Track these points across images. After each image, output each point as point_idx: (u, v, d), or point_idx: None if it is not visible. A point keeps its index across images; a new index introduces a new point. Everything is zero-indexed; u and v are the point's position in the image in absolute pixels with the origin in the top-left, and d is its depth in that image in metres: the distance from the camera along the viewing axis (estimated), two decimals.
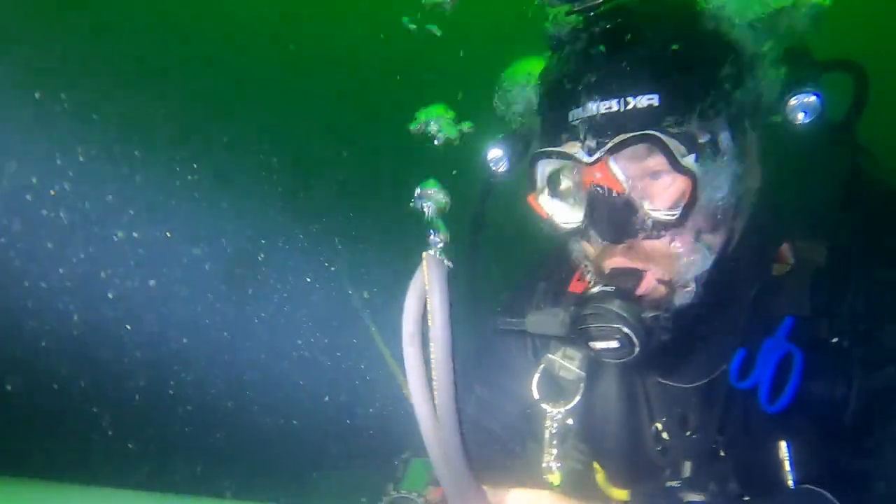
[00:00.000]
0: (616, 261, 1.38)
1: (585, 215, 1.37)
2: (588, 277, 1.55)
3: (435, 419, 1.13)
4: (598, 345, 1.34)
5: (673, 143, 1.28)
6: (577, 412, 1.60)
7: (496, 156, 1.54)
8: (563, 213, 1.45)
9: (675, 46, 1.31)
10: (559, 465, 1.60)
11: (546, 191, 1.45)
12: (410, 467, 1.51)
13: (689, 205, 1.30)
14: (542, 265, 1.79)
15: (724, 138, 1.33)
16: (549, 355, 1.64)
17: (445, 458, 1.16)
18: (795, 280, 1.40)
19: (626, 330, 1.30)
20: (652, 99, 1.28)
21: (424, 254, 1.15)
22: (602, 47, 1.33)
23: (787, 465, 1.36)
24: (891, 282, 1.35)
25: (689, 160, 1.29)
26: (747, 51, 1.38)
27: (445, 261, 1.15)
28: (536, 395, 1.61)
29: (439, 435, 1.13)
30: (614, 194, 1.32)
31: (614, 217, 1.32)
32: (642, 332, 1.30)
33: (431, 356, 1.11)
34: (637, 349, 1.31)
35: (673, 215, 1.31)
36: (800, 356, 1.32)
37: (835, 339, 1.36)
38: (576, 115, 1.33)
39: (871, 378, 1.32)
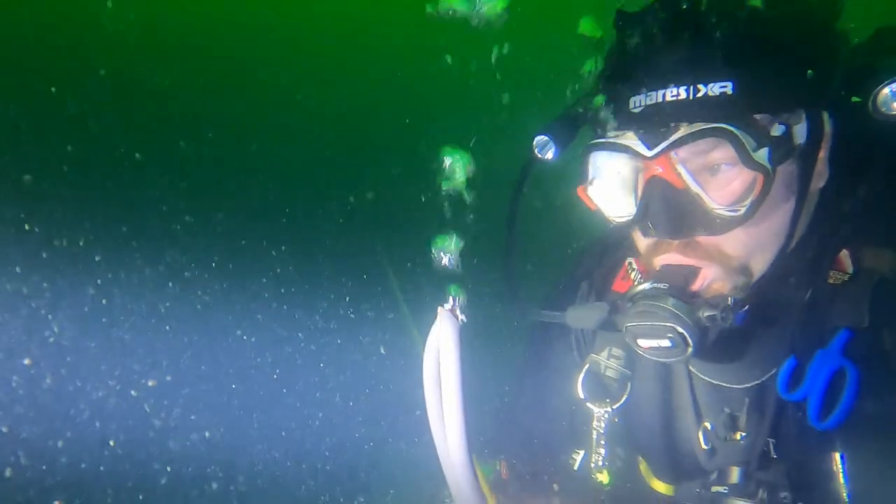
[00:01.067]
0: (671, 257, 1.30)
1: (640, 209, 1.28)
2: (633, 276, 1.49)
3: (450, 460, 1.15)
4: (648, 343, 1.27)
5: (746, 137, 1.18)
6: (623, 412, 1.54)
7: (542, 142, 1.45)
8: (615, 204, 1.37)
9: (754, 28, 1.20)
10: (608, 464, 1.55)
11: (597, 182, 1.37)
12: None
13: (757, 202, 1.21)
14: (582, 263, 1.72)
15: (799, 131, 1.23)
16: (594, 355, 1.57)
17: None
18: (855, 289, 1.30)
19: (680, 329, 1.21)
20: (725, 86, 1.18)
21: (440, 308, 1.13)
22: (673, 28, 1.22)
23: (841, 478, 1.29)
24: None
25: (760, 154, 1.19)
26: (830, 31, 1.27)
27: (459, 315, 1.13)
28: (582, 395, 1.54)
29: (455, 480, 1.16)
30: (675, 189, 1.24)
31: (674, 213, 1.24)
32: (697, 332, 1.22)
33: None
34: (691, 349, 1.23)
35: (736, 212, 1.23)
36: (854, 373, 1.23)
37: None
38: (638, 101, 1.24)
39: None
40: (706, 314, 1.22)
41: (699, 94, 1.18)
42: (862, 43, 1.34)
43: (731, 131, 1.17)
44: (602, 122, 1.34)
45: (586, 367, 1.55)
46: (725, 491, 1.41)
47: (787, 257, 1.30)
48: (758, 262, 1.29)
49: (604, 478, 1.55)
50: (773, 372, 1.33)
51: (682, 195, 1.24)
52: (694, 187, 1.24)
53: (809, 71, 1.22)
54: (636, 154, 1.25)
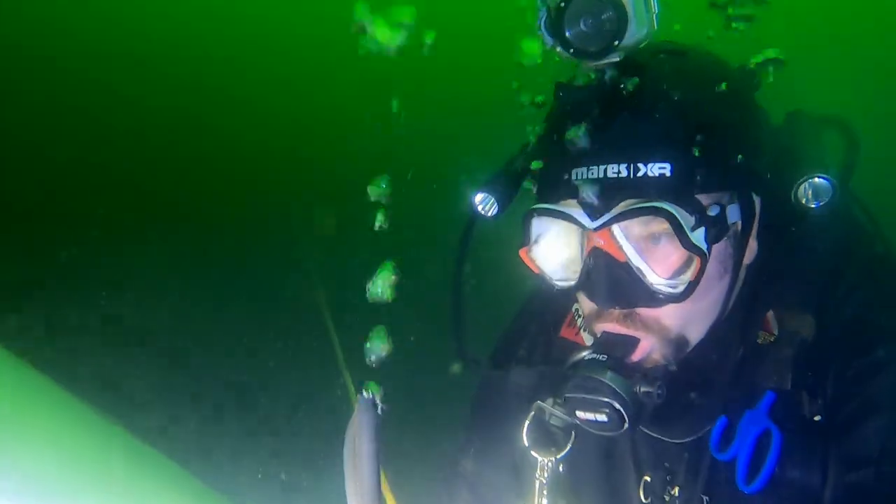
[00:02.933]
0: (610, 326, 1.33)
1: (582, 278, 1.31)
2: (579, 322, 1.52)
3: None
4: (584, 415, 1.29)
5: (682, 216, 1.22)
6: (567, 461, 1.55)
7: (484, 199, 1.45)
8: (557, 270, 1.40)
9: (690, 113, 1.25)
10: None
11: (538, 246, 1.39)
12: None
13: (694, 283, 1.26)
14: (530, 308, 1.74)
15: (732, 211, 1.29)
16: (540, 402, 1.57)
17: None
18: (779, 351, 1.36)
19: (616, 405, 1.24)
20: (664, 168, 1.22)
21: (357, 396, 1.13)
22: (614, 108, 1.26)
23: None
24: (873, 368, 1.30)
25: (697, 235, 1.24)
26: (754, 117, 1.34)
27: (379, 405, 1.13)
28: (526, 443, 1.55)
29: None
30: (616, 262, 1.27)
31: (614, 285, 1.27)
32: (633, 408, 1.25)
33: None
34: (626, 425, 1.26)
35: (675, 288, 1.27)
36: (778, 436, 1.28)
37: (816, 418, 1.32)
38: (580, 174, 1.27)
39: (847, 475, 1.27)
40: (643, 390, 1.26)
41: (639, 174, 1.22)
42: (779, 126, 1.41)
43: (670, 212, 1.21)
44: (543, 188, 1.36)
45: (532, 414, 1.55)
46: None
47: (720, 325, 1.36)
48: (693, 333, 1.35)
49: None
50: (708, 429, 1.37)
51: (622, 268, 1.27)
52: (635, 261, 1.27)
53: (739, 156, 1.27)
54: (579, 224, 1.28)
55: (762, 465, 1.27)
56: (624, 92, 1.26)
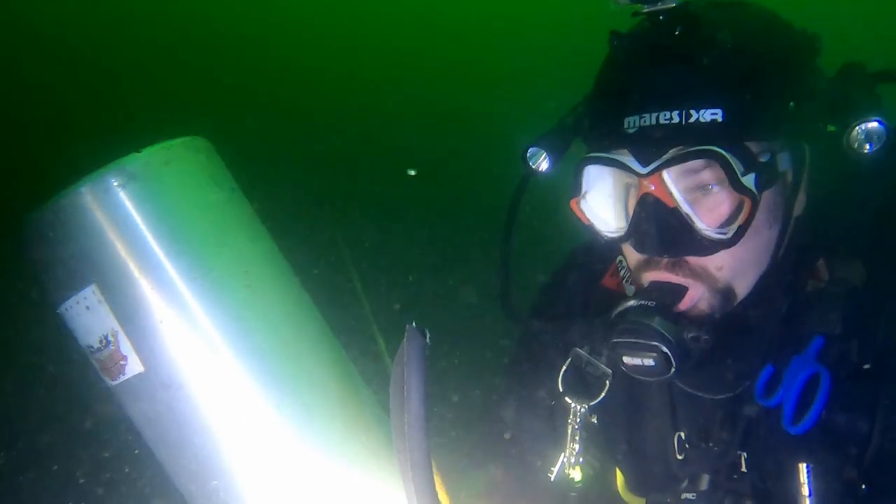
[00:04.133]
0: (659, 274, 1.35)
1: (632, 226, 1.33)
2: (622, 274, 1.54)
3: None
4: (632, 360, 1.32)
5: (735, 161, 1.23)
6: (599, 410, 1.58)
7: (535, 153, 1.49)
8: (606, 220, 1.42)
9: (743, 59, 1.26)
10: (581, 461, 1.58)
11: (589, 196, 1.41)
12: None
13: (745, 226, 1.27)
14: (574, 255, 1.77)
15: (782, 159, 1.30)
16: (577, 349, 1.59)
17: None
18: (829, 298, 1.36)
19: (664, 349, 1.27)
20: (716, 114, 1.23)
21: (407, 326, 1.16)
22: (666, 53, 1.27)
23: (805, 490, 1.34)
24: None
25: (748, 179, 1.25)
26: (809, 68, 1.34)
27: (427, 334, 1.16)
28: (561, 389, 1.58)
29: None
30: (666, 208, 1.28)
31: (664, 232, 1.29)
32: (681, 352, 1.27)
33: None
34: (673, 370, 1.28)
35: (725, 234, 1.28)
36: (827, 378, 1.29)
37: (865, 366, 1.33)
38: (632, 122, 1.27)
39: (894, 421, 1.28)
40: (691, 335, 1.28)
41: (690, 120, 1.23)
42: (833, 77, 1.40)
43: (722, 154, 1.22)
44: (595, 138, 1.38)
45: (569, 360, 1.57)
46: (693, 497, 1.47)
47: (768, 279, 1.36)
48: (741, 284, 1.36)
49: (576, 474, 1.59)
50: (747, 385, 1.39)
51: (672, 214, 1.29)
52: (684, 207, 1.29)
53: (791, 103, 1.28)
54: (630, 171, 1.30)
55: (809, 408, 1.28)
56: (676, 38, 1.27)
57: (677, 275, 1.33)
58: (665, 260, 1.33)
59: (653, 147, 1.26)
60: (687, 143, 1.24)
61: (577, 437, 1.55)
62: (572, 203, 1.42)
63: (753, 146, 1.26)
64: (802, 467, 1.35)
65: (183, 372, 1.24)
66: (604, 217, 1.42)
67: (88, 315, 1.25)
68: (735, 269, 1.33)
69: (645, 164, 1.28)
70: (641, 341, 1.28)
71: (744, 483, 1.43)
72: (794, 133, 1.30)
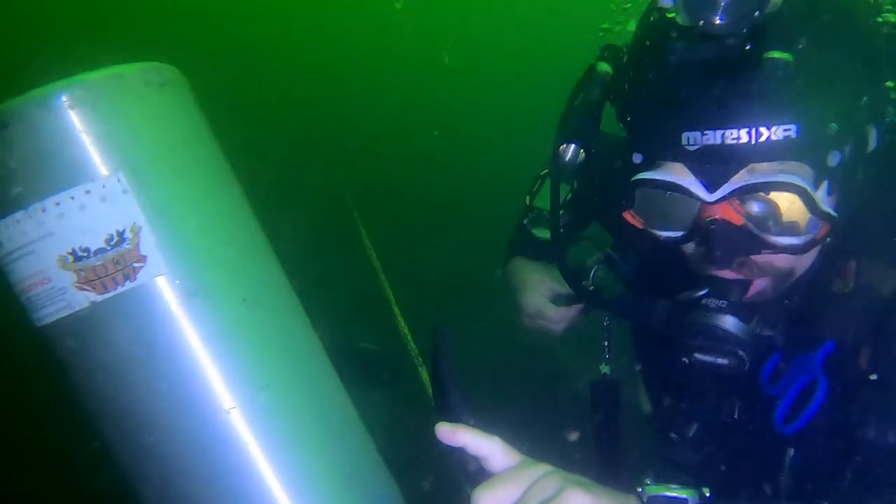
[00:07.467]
0: (723, 273, 1.28)
1: (696, 239, 1.26)
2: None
3: None
4: (705, 357, 1.28)
5: (811, 188, 1.16)
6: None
7: (570, 151, 1.38)
8: (664, 227, 1.31)
9: (811, 65, 1.13)
10: (608, 357, 1.66)
11: (643, 210, 1.32)
12: None
13: (820, 241, 1.21)
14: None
15: (848, 153, 1.21)
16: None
17: None
18: (849, 302, 1.33)
19: (740, 352, 1.24)
20: (789, 130, 1.12)
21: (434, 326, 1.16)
22: (730, 64, 1.13)
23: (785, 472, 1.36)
24: None
25: (821, 194, 1.19)
26: (882, 56, 1.25)
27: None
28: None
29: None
30: (734, 228, 1.20)
31: (734, 252, 1.22)
32: (754, 351, 1.25)
33: None
34: (746, 366, 1.26)
35: (797, 242, 1.21)
36: (824, 387, 1.28)
37: (873, 376, 1.29)
38: (693, 138, 1.16)
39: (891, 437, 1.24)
40: (765, 333, 1.26)
41: (762, 139, 1.13)
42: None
43: (799, 186, 1.14)
44: (646, 147, 1.26)
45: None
46: (677, 439, 1.46)
47: (810, 270, 1.32)
48: (800, 269, 1.31)
49: (605, 369, 1.66)
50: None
51: (740, 232, 1.21)
52: (755, 230, 1.21)
53: (865, 98, 1.21)
54: (695, 197, 1.21)
55: (801, 411, 1.28)
56: (741, 43, 1.12)
57: (741, 271, 1.27)
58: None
59: (719, 168, 1.16)
60: (758, 162, 1.15)
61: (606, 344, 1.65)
62: (626, 215, 1.32)
63: (827, 154, 1.17)
64: (790, 451, 1.35)
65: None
66: (661, 224, 1.31)
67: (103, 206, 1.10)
68: (795, 264, 1.29)
69: (712, 188, 1.18)
70: (718, 345, 1.25)
71: (727, 447, 1.45)
72: (864, 123, 1.23)
